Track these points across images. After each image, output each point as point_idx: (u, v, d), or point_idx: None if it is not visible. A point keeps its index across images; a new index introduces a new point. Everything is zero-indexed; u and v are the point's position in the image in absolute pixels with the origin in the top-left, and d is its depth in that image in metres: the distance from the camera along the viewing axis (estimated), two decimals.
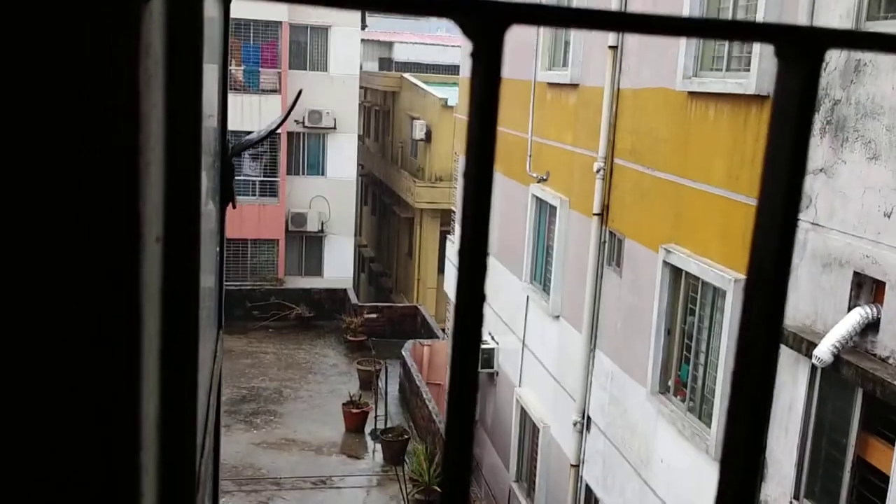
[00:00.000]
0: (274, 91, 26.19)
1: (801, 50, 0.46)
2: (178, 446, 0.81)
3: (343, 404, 18.53)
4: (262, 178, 26.97)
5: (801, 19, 6.98)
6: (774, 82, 0.48)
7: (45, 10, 0.50)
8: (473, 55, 0.40)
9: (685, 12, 8.76)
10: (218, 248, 1.98)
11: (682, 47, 8.82)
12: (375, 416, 18.22)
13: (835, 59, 6.64)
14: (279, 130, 26.03)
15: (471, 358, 0.43)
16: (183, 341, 0.82)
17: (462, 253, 0.42)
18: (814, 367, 6.72)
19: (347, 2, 0.40)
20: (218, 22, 1.80)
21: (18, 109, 0.51)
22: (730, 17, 8.31)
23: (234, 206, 2.06)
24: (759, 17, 7.55)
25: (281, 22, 26.05)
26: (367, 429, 18.39)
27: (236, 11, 26.73)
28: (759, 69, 7.53)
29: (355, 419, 18.32)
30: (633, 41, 10.20)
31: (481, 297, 0.43)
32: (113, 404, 0.57)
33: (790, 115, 0.46)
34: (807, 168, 0.49)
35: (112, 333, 0.55)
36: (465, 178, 0.41)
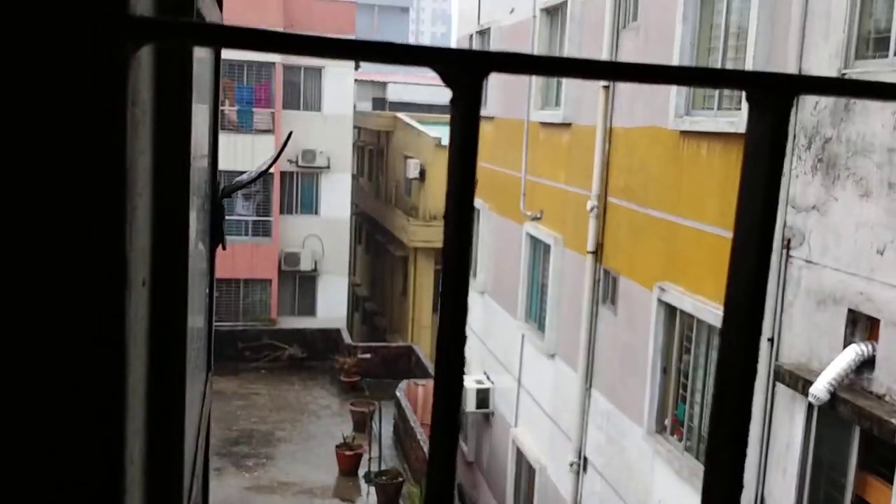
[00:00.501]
0: (268, 131, 26.32)
1: (771, 96, 0.47)
2: (165, 490, 0.79)
3: (336, 446, 18.34)
4: (255, 218, 26.98)
5: (791, 58, 7.06)
6: (746, 126, 0.49)
7: (35, 58, 0.50)
8: (452, 102, 0.41)
9: (675, 52, 8.86)
10: (207, 290, 1.96)
11: (674, 87, 8.90)
12: (369, 459, 18.01)
13: (824, 97, 6.71)
14: (272, 170, 26.11)
15: (453, 405, 0.42)
16: (170, 385, 0.81)
17: (444, 297, 0.42)
18: (810, 406, 6.68)
19: (333, 52, 0.40)
20: (209, 62, 1.80)
21: (5, 153, 0.51)
22: (720, 55, 8.40)
23: (223, 248, 2.04)
24: (749, 56, 7.63)
25: (274, 63, 26.28)
26: (361, 471, 18.17)
27: (230, 53, 27.05)
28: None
29: (349, 462, 18.11)
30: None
31: (462, 335, 0.42)
32: (96, 447, 0.56)
33: (761, 159, 0.47)
34: (777, 210, 0.49)
35: (96, 376, 0.55)
36: (445, 219, 0.41)
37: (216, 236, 1.95)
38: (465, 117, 0.41)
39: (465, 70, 0.41)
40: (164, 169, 0.78)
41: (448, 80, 0.42)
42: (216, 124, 2.06)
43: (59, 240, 0.53)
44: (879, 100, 0.50)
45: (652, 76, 0.48)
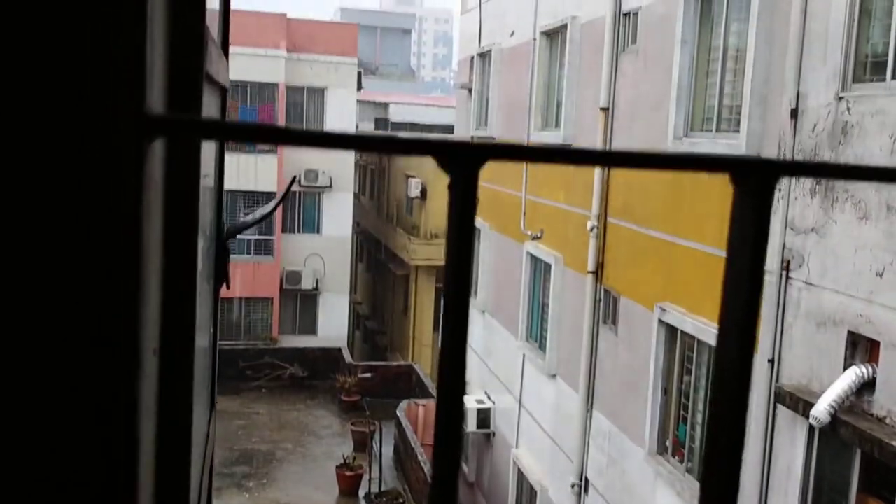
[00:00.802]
0: (270, 151, 26.42)
1: (754, 179, 0.49)
2: None
3: (337, 467, 18.27)
4: (257, 237, 27.03)
5: (789, 81, 7.11)
6: (731, 207, 0.51)
7: (57, 145, 0.54)
8: (450, 187, 0.44)
9: (674, 75, 8.92)
10: (212, 330, 1.99)
11: (673, 107, 8.95)
12: (370, 479, 17.94)
13: (822, 120, 6.75)
14: (274, 188, 26.18)
15: (454, 427, 0.45)
16: (176, 452, 0.83)
17: (440, 382, 0.45)
18: (811, 428, 6.67)
19: (338, 145, 0.43)
20: (215, 114, 1.84)
21: (28, 235, 0.55)
22: (718, 77, 8.45)
23: (227, 287, 2.07)
24: (748, 79, 7.68)
25: (278, 84, 26.42)
26: (362, 492, 18.09)
27: (234, 74, 27.05)
28: (748, 130, 7.64)
29: (349, 482, 18.04)
30: (624, 102, 10.36)
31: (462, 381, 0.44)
32: None
33: (746, 241, 0.50)
34: (762, 292, 0.52)
35: (107, 455, 0.57)
36: (444, 297, 0.44)
37: (220, 277, 1.97)
38: (462, 203, 0.44)
39: (463, 160, 0.44)
40: (173, 239, 0.82)
41: (446, 168, 0.44)
42: (222, 164, 2.09)
43: (75, 313, 0.55)
44: (865, 181, 0.53)
45: (641, 162, 0.51)
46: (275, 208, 3.01)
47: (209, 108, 1.54)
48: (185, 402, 0.91)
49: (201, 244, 1.56)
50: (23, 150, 0.53)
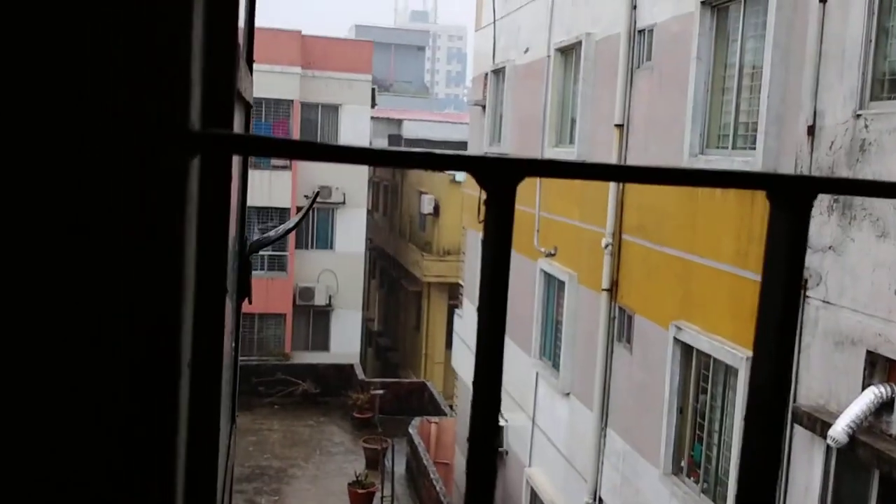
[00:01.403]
0: (284, 168, 26.54)
1: (791, 196, 0.48)
2: None
3: (349, 484, 18.21)
4: (270, 252, 27.11)
5: (805, 99, 7.07)
6: (767, 224, 0.50)
7: (106, 160, 0.55)
8: (487, 203, 0.43)
9: (690, 92, 8.90)
10: (234, 344, 1.98)
11: (688, 124, 8.93)
12: (382, 497, 17.86)
13: (839, 136, 6.70)
14: (288, 205, 26.28)
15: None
16: (204, 466, 0.83)
17: (475, 401, 0.44)
18: (829, 448, 6.59)
19: (374, 159, 0.43)
20: (240, 129, 1.84)
21: (78, 252, 0.56)
22: (734, 95, 8.42)
23: (250, 302, 2.07)
24: (764, 96, 7.65)
25: (292, 100, 26.58)
26: None
27: None
28: (764, 147, 7.60)
29: (361, 500, 17.96)
30: (639, 119, 10.34)
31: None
32: None
33: (782, 255, 0.49)
34: (798, 309, 0.51)
35: (151, 457, 0.58)
36: (479, 311, 0.43)
37: (243, 291, 1.97)
38: (499, 220, 0.43)
39: (501, 175, 0.45)
40: (205, 254, 0.82)
41: (483, 184, 0.44)
42: (245, 180, 2.09)
43: (122, 328, 0.57)
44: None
45: (677, 179, 0.50)
46: (298, 223, 3.01)
47: (238, 123, 1.55)
48: (214, 415, 0.91)
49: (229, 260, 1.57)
50: (72, 168, 0.54)
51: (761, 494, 0.48)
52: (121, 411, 0.57)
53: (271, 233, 2.99)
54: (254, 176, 25.83)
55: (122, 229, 0.55)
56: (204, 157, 0.79)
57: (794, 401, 7.10)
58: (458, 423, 18.34)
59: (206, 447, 0.85)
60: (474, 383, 0.45)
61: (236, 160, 1.58)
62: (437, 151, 0.44)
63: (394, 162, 0.42)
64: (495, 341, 0.43)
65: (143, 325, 0.57)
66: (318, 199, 27.22)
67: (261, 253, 26.90)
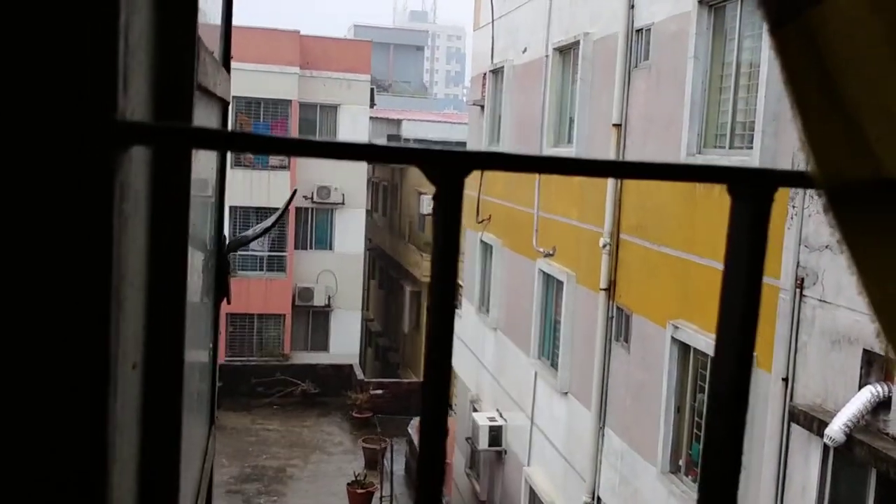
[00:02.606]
0: (283, 167, 26.55)
1: (752, 189, 0.49)
2: None
3: (348, 484, 18.22)
4: (269, 253, 27.11)
5: None
6: (729, 217, 0.51)
7: (23, 156, 0.53)
8: (435, 198, 0.43)
9: (687, 91, 8.90)
10: (211, 345, 1.98)
11: (686, 123, 8.93)
12: (381, 497, 17.87)
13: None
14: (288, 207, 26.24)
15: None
16: (164, 466, 0.82)
17: (424, 399, 0.44)
18: (826, 447, 6.59)
19: (321, 151, 0.42)
20: (217, 113, 1.83)
21: None
22: (731, 93, 8.43)
23: (228, 302, 2.06)
24: (761, 94, 7.66)
25: (291, 100, 26.58)
26: None
27: (247, 90, 27.14)
28: (762, 146, 7.60)
29: (360, 500, 17.97)
30: (637, 118, 10.34)
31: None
32: None
33: (743, 249, 0.49)
34: (760, 302, 0.51)
35: (78, 461, 0.56)
36: (427, 310, 0.43)
37: (221, 291, 1.97)
38: (447, 214, 0.43)
39: (448, 169, 0.44)
40: (160, 251, 0.81)
41: (431, 178, 0.44)
42: (223, 178, 2.08)
43: (44, 327, 0.55)
44: None
45: (637, 172, 0.50)
46: (276, 222, 3.01)
47: (207, 119, 1.54)
48: (173, 417, 0.89)
49: (201, 258, 1.55)
50: None
51: (725, 484, 0.48)
52: (37, 415, 0.55)
53: (249, 232, 2.98)
54: (252, 176, 25.89)
55: (41, 223, 0.54)
56: (157, 151, 0.78)
57: (791, 400, 7.11)
58: (456, 422, 18.35)
59: (166, 450, 0.85)
60: (423, 382, 0.45)
61: (207, 155, 1.58)
62: (381, 143, 0.44)
63: (336, 154, 0.42)
64: (445, 334, 0.42)
65: (65, 325, 0.55)
66: (317, 199, 27.22)
67: (259, 253, 26.91)
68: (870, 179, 0.45)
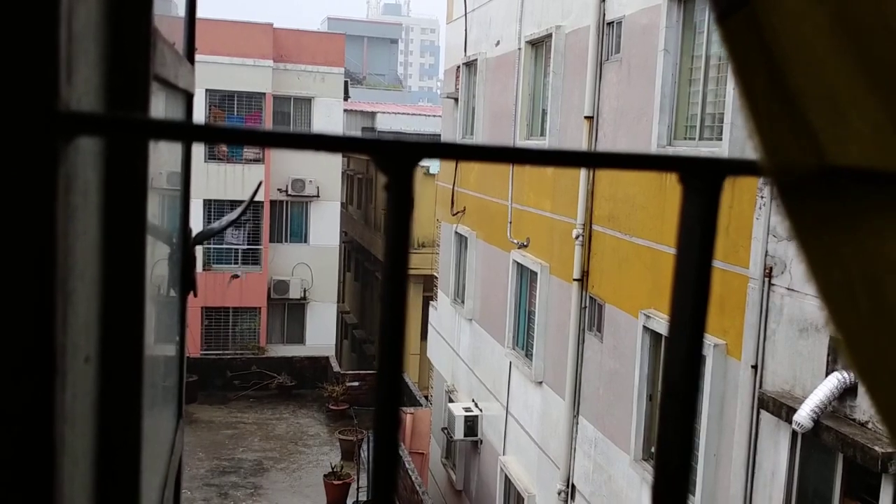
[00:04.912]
0: (257, 160, 26.39)
1: (702, 178, 0.49)
2: None
3: (324, 476, 18.22)
4: (245, 246, 26.97)
5: None
6: (680, 206, 0.51)
7: None
8: (386, 188, 0.45)
9: (657, 84, 8.99)
10: (178, 338, 1.99)
11: (656, 116, 9.02)
12: (357, 488, 17.90)
13: None
14: (262, 199, 26.15)
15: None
16: (123, 459, 0.82)
17: (378, 386, 0.46)
18: (794, 433, 6.72)
19: (271, 141, 0.44)
20: (181, 105, 1.85)
21: None
22: (701, 86, 8.52)
23: (195, 295, 2.08)
24: (729, 87, 7.76)
25: (265, 93, 26.42)
26: (350, 501, 18.04)
27: (221, 83, 26.85)
28: (731, 138, 7.71)
29: (337, 491, 17.99)
30: (608, 110, 10.42)
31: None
32: None
33: (694, 238, 0.49)
34: (710, 289, 0.52)
35: (25, 459, 0.56)
36: (381, 299, 0.45)
37: (187, 284, 1.98)
38: (398, 202, 0.44)
39: (398, 158, 0.44)
40: (116, 244, 0.80)
41: (382, 168, 0.45)
42: (188, 170, 2.10)
43: None
44: None
45: (588, 162, 0.51)
46: (241, 214, 3.03)
47: (170, 111, 1.55)
48: (132, 410, 0.89)
49: (165, 250, 1.56)
50: None
51: (675, 477, 0.51)
52: None
53: (215, 224, 3.00)
54: (226, 169, 25.73)
55: None
56: (110, 143, 0.78)
57: (761, 386, 7.23)
58: (432, 413, 18.41)
59: (126, 442, 0.84)
60: (378, 369, 0.48)
61: (170, 147, 1.58)
62: (332, 133, 0.45)
63: (286, 143, 0.43)
64: (396, 337, 0.45)
65: (7, 316, 0.54)
66: (292, 192, 27.10)
67: (234, 247, 26.77)
68: (815, 167, 0.46)
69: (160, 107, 1.34)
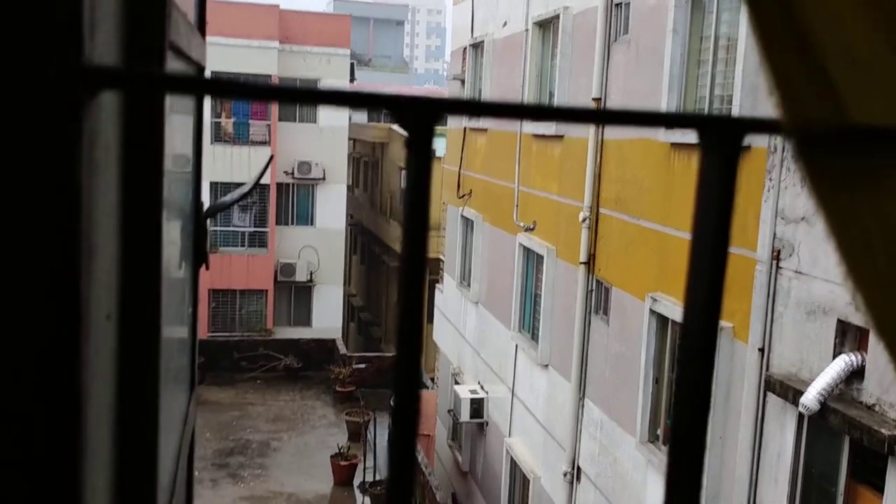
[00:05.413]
0: (263, 143, 26.38)
1: (721, 138, 0.48)
2: None
3: (331, 456, 18.33)
4: (251, 229, 27.01)
5: None
6: (698, 167, 0.51)
7: None
8: (407, 144, 0.44)
9: (666, 65, 8.93)
10: (191, 309, 1.99)
11: (664, 97, 8.97)
12: (364, 469, 18.00)
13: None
14: (268, 182, 26.16)
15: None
16: (141, 416, 0.83)
17: (399, 332, 0.45)
18: (801, 416, 6.72)
19: (289, 99, 0.43)
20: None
21: None
22: (710, 67, 8.47)
23: (206, 268, 2.08)
24: (738, 68, 7.70)
25: (271, 75, 26.36)
26: (356, 481, 18.15)
27: (227, 66, 26.83)
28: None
29: (344, 472, 18.10)
30: (616, 92, 10.37)
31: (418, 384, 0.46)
32: (52, 482, 0.57)
33: (712, 201, 0.49)
34: (728, 250, 0.52)
35: (50, 412, 0.56)
36: (400, 258, 0.45)
37: (199, 256, 1.98)
38: (419, 159, 0.44)
39: (419, 115, 0.44)
40: (133, 203, 0.81)
41: (402, 124, 0.44)
42: (200, 147, 2.10)
43: (9, 286, 0.54)
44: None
45: (605, 119, 0.50)
46: (253, 187, 3.03)
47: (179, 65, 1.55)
48: (150, 370, 0.90)
49: (179, 222, 1.57)
50: None
51: (693, 439, 0.50)
52: (11, 355, 0.55)
53: (227, 197, 2.99)
54: (233, 152, 25.72)
55: (5, 168, 0.53)
56: (127, 103, 0.78)
57: (767, 369, 7.23)
58: (438, 395, 18.47)
59: (143, 401, 0.85)
60: (396, 360, 0.48)
61: (182, 120, 1.58)
62: (348, 90, 0.44)
63: (305, 99, 0.43)
64: (416, 290, 0.45)
65: (38, 267, 0.54)
66: (298, 175, 27.09)
67: (241, 230, 26.80)
68: (835, 125, 0.46)
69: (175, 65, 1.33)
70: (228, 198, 2.95)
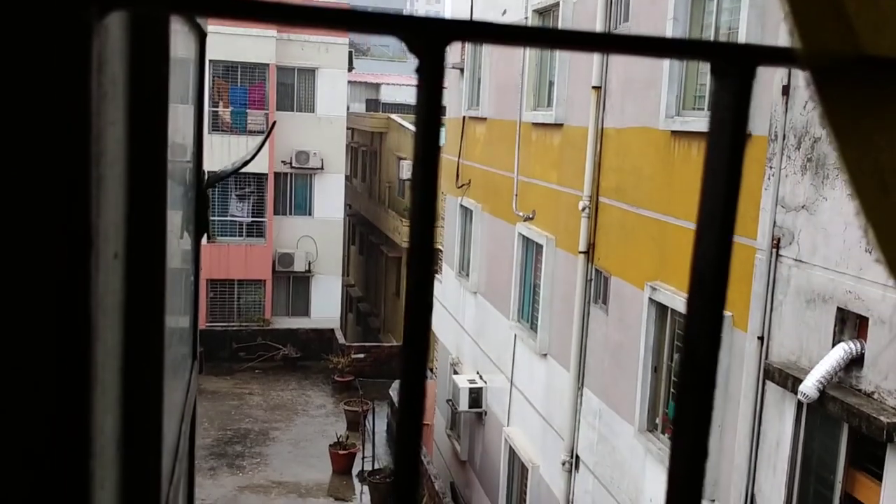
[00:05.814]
0: (261, 132, 26.30)
1: (734, 66, 0.48)
2: (141, 465, 0.81)
3: (330, 445, 18.36)
4: (249, 219, 26.97)
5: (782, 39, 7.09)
6: (711, 96, 0.50)
7: None
8: (418, 70, 0.43)
9: (665, 68, 8.89)
10: (193, 278, 1.99)
11: (665, 87, 8.95)
12: (363, 458, 18.03)
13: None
14: (266, 171, 26.10)
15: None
16: (147, 354, 0.82)
17: (410, 265, 0.44)
18: (800, 404, 6.72)
19: (296, 20, 0.42)
20: (193, 43, 1.83)
21: None
22: (713, 23, 8.42)
23: (209, 239, 2.07)
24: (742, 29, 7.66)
25: (268, 64, 26.28)
26: (355, 470, 18.19)
27: (224, 54, 26.75)
28: None
29: (342, 461, 18.13)
30: (616, 81, 10.34)
31: (429, 301, 0.44)
32: (62, 418, 0.56)
33: (725, 130, 0.49)
34: (740, 182, 0.51)
35: (61, 346, 0.56)
36: (412, 188, 0.44)
37: (201, 225, 1.97)
38: (429, 85, 0.43)
39: (430, 38, 0.43)
40: (139, 144, 0.80)
41: (412, 49, 0.43)
42: (201, 117, 2.09)
43: (19, 205, 0.54)
44: None
45: (618, 45, 0.49)
46: (254, 155, 3.02)
47: (185, 48, 1.54)
48: (156, 306, 0.90)
49: (181, 190, 1.56)
50: None
51: (697, 422, 0.49)
52: (17, 283, 0.54)
53: (228, 166, 2.98)
54: (231, 141, 25.64)
55: (13, 89, 0.52)
56: (133, 31, 0.77)
57: (766, 358, 7.23)
58: (437, 385, 18.48)
59: (149, 335, 0.85)
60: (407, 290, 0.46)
61: (188, 104, 1.57)
62: (357, 9, 0.43)
63: (310, 21, 0.42)
64: (428, 221, 0.44)
65: (44, 195, 0.54)
66: (296, 165, 27.04)
67: (239, 219, 26.76)
68: (850, 55, 0.45)
69: (177, 42, 1.32)
70: (230, 166, 2.93)
